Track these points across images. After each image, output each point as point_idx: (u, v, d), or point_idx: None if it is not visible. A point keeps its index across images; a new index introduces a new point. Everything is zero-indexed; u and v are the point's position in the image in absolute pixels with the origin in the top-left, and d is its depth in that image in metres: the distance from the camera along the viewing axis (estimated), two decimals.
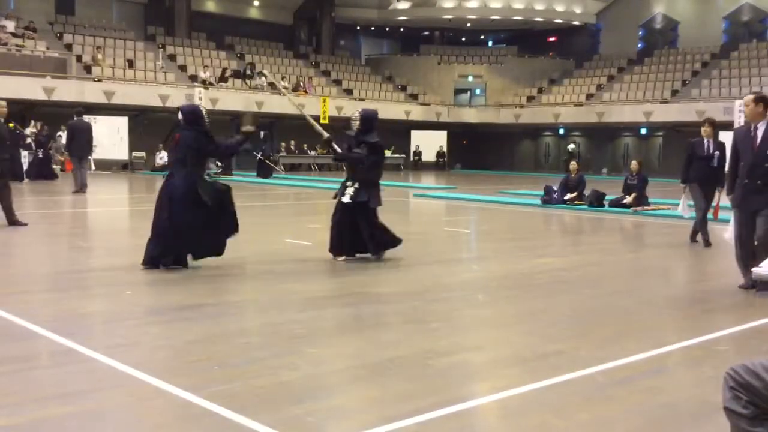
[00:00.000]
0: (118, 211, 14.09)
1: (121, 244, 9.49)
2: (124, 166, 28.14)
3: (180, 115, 7.33)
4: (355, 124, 7.87)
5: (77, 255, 8.40)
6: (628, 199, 14.60)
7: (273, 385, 3.80)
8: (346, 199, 7.69)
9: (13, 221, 10.11)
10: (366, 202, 7.67)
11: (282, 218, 13.38)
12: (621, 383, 4.02)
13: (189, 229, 7.07)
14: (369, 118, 7.96)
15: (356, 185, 7.70)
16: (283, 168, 29.90)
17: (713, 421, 3.34)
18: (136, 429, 3.31)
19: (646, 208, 14.53)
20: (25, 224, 10.20)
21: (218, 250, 7.33)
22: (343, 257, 7.73)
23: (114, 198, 17.39)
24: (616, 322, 5.40)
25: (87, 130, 17.24)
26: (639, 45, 40.82)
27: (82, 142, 16.98)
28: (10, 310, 5.20)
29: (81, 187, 16.62)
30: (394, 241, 7.97)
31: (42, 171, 21.74)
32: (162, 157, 26.47)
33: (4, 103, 10.29)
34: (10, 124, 21.18)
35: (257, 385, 3.78)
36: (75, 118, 17.55)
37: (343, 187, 7.86)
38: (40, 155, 22.18)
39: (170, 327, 4.98)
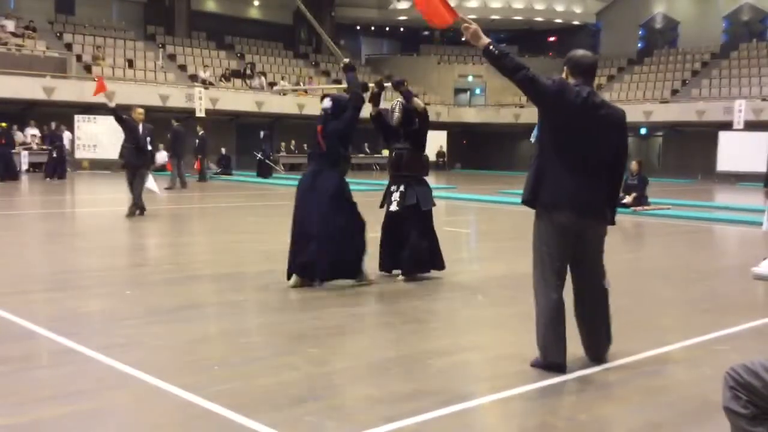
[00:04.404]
0: (118, 211, 14.09)
1: (121, 244, 9.48)
2: (124, 166, 28.10)
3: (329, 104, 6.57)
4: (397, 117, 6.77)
5: (77, 255, 8.40)
6: (627, 199, 14.61)
7: (273, 384, 3.80)
8: (393, 207, 6.70)
9: (140, 208, 11.85)
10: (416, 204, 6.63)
11: (282, 218, 13.33)
12: (621, 383, 4.02)
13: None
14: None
15: (402, 187, 6.69)
16: (283, 168, 29.89)
17: (713, 421, 3.34)
18: (136, 429, 3.31)
19: (646, 207, 14.56)
20: (143, 212, 11.82)
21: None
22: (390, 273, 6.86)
23: (114, 198, 17.39)
24: (616, 321, 5.38)
25: (183, 135, 19.75)
26: (639, 45, 40.83)
27: (183, 145, 19.52)
28: (10, 310, 5.20)
29: (183, 185, 18.79)
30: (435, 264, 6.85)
31: (56, 169, 21.95)
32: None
33: (141, 110, 12.26)
34: (3, 123, 21.55)
35: (257, 385, 3.78)
36: (174, 124, 19.81)
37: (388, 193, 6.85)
38: (54, 155, 22.25)
39: (170, 327, 4.98)
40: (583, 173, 4.05)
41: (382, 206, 6.89)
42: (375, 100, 6.94)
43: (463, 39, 4.38)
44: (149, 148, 12.25)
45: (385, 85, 7.03)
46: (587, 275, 4.21)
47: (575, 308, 4.27)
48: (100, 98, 12.75)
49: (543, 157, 4.13)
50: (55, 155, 22.27)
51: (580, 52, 4.21)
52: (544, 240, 4.09)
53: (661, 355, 4.56)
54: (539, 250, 4.12)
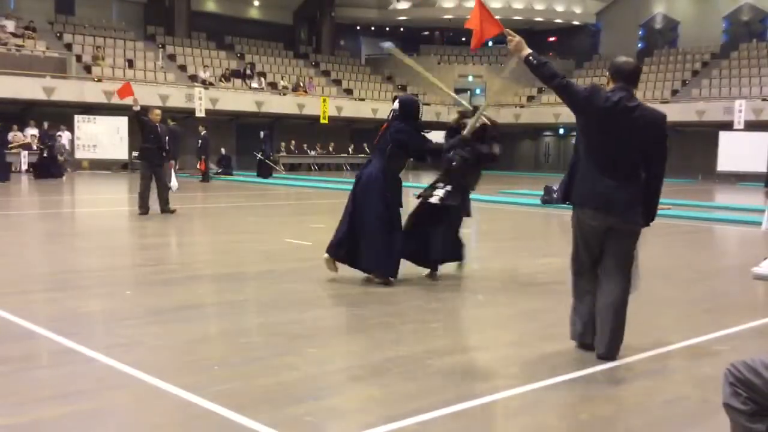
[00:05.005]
0: (118, 211, 14.09)
1: (121, 244, 9.49)
2: (124, 166, 28.15)
3: (396, 105, 6.81)
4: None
5: (77, 255, 8.40)
6: None
7: (273, 385, 3.80)
8: (434, 200, 6.89)
9: (146, 209, 12.05)
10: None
11: (282, 218, 13.38)
12: (621, 383, 4.02)
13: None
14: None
15: (450, 187, 6.92)
16: (283, 168, 29.89)
17: (713, 421, 3.34)
18: (136, 429, 3.31)
19: None
20: (173, 211, 12.25)
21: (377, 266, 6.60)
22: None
23: (114, 198, 17.40)
24: None
25: (180, 135, 20.33)
26: (639, 45, 40.82)
27: (177, 146, 19.61)
28: (10, 310, 5.20)
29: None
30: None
31: (49, 170, 21.89)
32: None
33: (158, 111, 12.83)
34: None
35: (257, 385, 3.78)
36: (170, 124, 20.02)
37: (432, 187, 7.04)
38: (45, 154, 22.21)
39: (170, 327, 4.98)
40: (612, 174, 4.23)
41: (419, 197, 7.06)
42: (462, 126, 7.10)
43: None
44: (167, 147, 12.85)
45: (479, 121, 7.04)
46: (606, 273, 4.37)
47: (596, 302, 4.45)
48: (127, 101, 13.50)
49: (577, 158, 4.44)
50: (45, 155, 22.19)
51: (622, 59, 4.45)
52: (576, 233, 4.45)
53: (661, 355, 4.57)
54: (573, 240, 4.49)
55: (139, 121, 12.43)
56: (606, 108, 4.22)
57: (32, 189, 18.85)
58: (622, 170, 4.25)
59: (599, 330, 4.37)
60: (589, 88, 4.35)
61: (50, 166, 22.12)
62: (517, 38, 4.47)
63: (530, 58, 4.37)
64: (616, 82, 4.35)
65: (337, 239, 6.66)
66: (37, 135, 25.60)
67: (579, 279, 4.48)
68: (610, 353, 4.33)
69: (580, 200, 4.37)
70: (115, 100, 27.50)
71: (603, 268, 4.39)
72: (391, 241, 6.59)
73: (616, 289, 4.36)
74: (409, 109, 6.81)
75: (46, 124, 24.67)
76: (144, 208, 12.07)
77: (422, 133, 6.84)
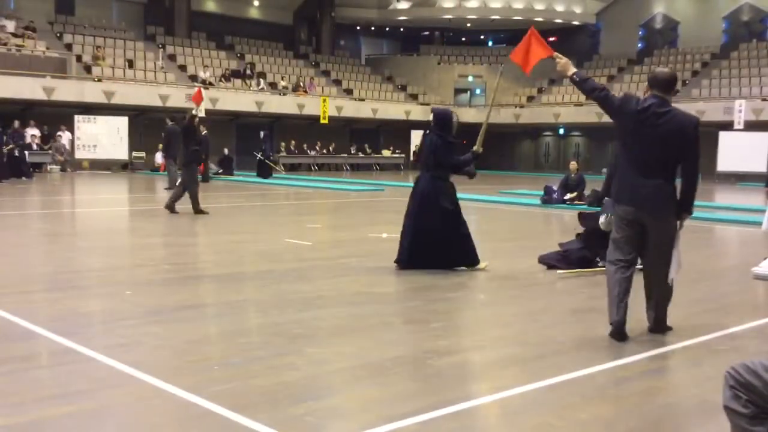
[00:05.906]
0: (117, 211, 14.09)
1: (120, 244, 9.49)
2: (124, 166, 28.15)
3: (431, 117, 7.45)
4: None
5: (77, 255, 8.40)
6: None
7: (273, 384, 3.80)
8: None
9: (197, 210, 12.30)
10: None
11: (282, 218, 13.37)
12: (621, 383, 4.02)
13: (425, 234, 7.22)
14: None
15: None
16: (283, 168, 29.89)
17: (713, 421, 3.34)
18: (136, 429, 3.31)
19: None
20: (207, 213, 12.31)
21: (445, 265, 7.27)
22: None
23: (114, 198, 17.40)
24: None
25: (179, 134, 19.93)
26: (639, 45, 40.83)
27: (178, 145, 19.41)
28: (10, 310, 5.20)
29: (173, 184, 19.00)
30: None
31: (20, 169, 21.59)
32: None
33: (197, 117, 13.39)
34: None
35: (257, 385, 3.78)
36: (169, 124, 19.38)
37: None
38: (17, 153, 21.90)
39: (170, 327, 4.98)
40: (643, 173, 4.71)
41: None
42: None
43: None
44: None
45: None
46: (649, 262, 4.92)
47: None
48: (189, 104, 14.30)
49: (616, 159, 5.03)
50: (17, 154, 21.86)
51: (658, 69, 4.98)
52: (615, 226, 4.92)
53: (661, 355, 4.57)
54: (612, 233, 4.94)
55: (189, 126, 12.79)
56: (635, 113, 4.72)
57: (24, 188, 18.84)
58: (651, 169, 4.68)
59: (648, 309, 5.00)
60: (621, 97, 4.92)
61: (21, 166, 21.76)
62: (564, 60, 5.08)
63: (575, 77, 4.98)
64: (652, 89, 4.83)
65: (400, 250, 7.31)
66: (38, 135, 25.46)
67: (612, 264, 4.88)
68: (657, 329, 4.98)
69: (616, 196, 4.88)
70: (115, 100, 27.64)
71: (644, 258, 4.90)
72: (466, 236, 7.37)
73: (658, 277, 4.88)
74: (442, 121, 7.34)
75: (16, 123, 24.21)
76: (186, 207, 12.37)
77: (453, 146, 7.35)
